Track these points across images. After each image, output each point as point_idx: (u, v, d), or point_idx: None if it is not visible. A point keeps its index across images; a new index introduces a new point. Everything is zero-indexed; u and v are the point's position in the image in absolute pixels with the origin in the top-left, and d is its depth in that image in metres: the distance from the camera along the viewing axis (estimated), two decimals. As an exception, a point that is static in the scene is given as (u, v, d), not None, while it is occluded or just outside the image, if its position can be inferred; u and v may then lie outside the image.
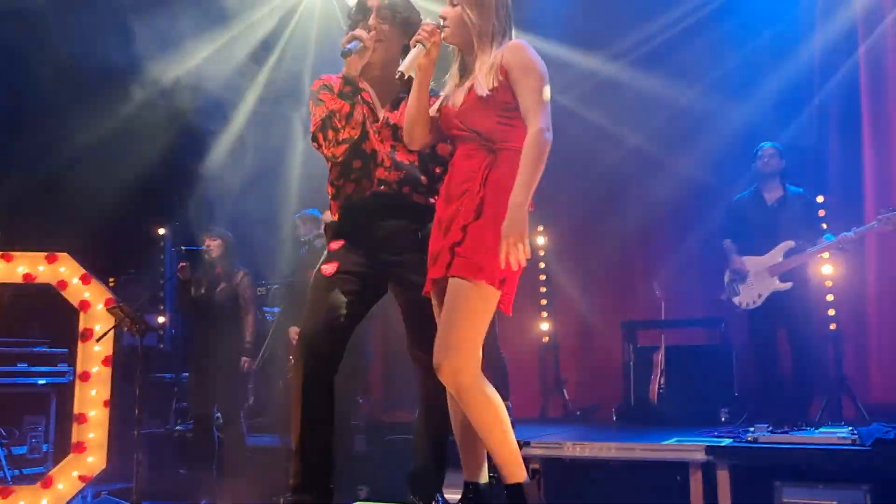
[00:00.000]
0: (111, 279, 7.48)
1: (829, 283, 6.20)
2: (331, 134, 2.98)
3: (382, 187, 3.04)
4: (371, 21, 3.06)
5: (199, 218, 7.15)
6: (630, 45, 7.18)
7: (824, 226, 5.72)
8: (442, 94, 2.85)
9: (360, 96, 3.04)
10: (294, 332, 5.37)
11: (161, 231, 7.74)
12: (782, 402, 5.49)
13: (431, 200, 3.00)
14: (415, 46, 2.70)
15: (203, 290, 5.81)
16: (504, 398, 5.94)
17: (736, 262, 5.60)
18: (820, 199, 6.04)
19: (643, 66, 7.10)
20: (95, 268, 5.73)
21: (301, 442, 2.97)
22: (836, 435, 4.43)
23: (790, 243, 5.46)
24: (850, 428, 4.52)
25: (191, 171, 7.23)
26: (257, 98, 7.60)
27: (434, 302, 2.77)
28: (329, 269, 3.05)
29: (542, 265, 7.42)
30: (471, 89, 2.69)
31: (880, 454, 4.13)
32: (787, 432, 4.59)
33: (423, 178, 3.07)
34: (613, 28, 7.16)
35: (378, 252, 3.03)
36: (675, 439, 4.93)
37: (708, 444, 4.59)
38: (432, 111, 2.81)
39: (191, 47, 6.76)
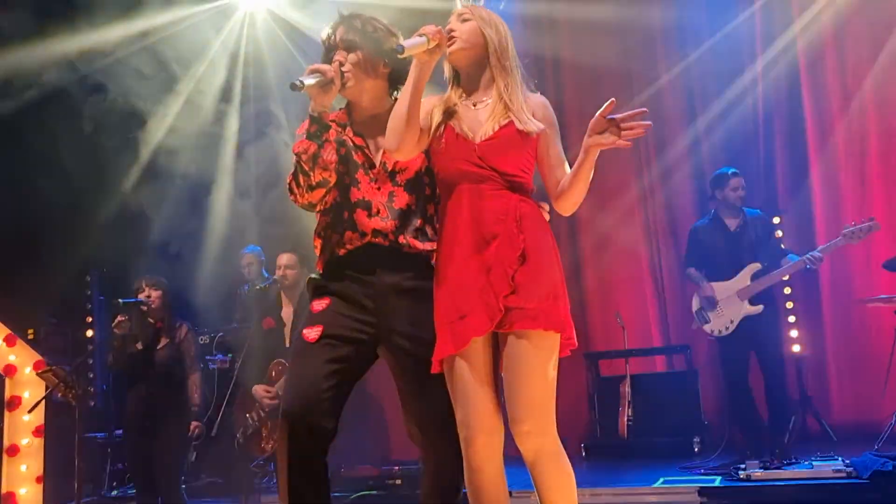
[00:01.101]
0: (30, 330, 6.87)
1: (789, 305, 6.19)
2: (301, 179, 2.63)
3: (378, 239, 2.66)
4: (337, 56, 2.71)
5: (130, 262, 6.66)
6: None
7: (782, 245, 5.68)
8: (434, 111, 2.52)
9: (345, 137, 2.72)
10: (261, 392, 4.96)
11: (87, 277, 7.12)
12: (758, 428, 5.40)
13: (428, 247, 2.67)
14: (420, 35, 2.37)
15: (141, 347, 5.27)
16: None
17: (706, 289, 5.48)
18: (776, 220, 6.02)
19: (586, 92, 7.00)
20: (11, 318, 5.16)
21: None
22: (829, 468, 4.32)
23: (756, 266, 5.37)
24: (842, 459, 4.41)
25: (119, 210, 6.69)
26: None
27: (462, 365, 2.39)
28: (312, 333, 2.65)
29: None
30: (506, 126, 2.41)
31: (879, 487, 4.04)
32: (779, 467, 4.46)
33: (418, 220, 2.70)
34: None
35: (369, 312, 2.65)
36: (662, 480, 4.76)
37: (700, 485, 4.44)
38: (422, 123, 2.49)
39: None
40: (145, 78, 6.43)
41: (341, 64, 2.69)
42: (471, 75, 2.52)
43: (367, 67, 2.71)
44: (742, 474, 4.45)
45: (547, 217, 2.52)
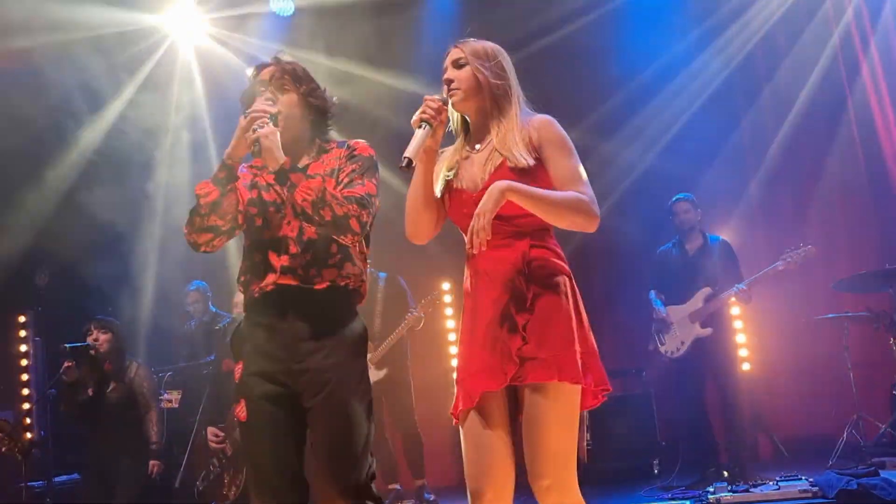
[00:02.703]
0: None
1: (738, 324, 6.33)
2: (196, 219, 2.58)
3: (287, 277, 2.57)
4: (265, 96, 2.63)
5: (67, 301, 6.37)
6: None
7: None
8: (440, 171, 2.47)
9: (259, 179, 2.68)
10: (210, 435, 4.76)
11: (21, 318, 6.74)
12: (715, 448, 5.50)
13: (352, 270, 2.61)
14: (420, 127, 2.33)
15: (91, 392, 5.04)
16: (418, 476, 5.68)
17: (658, 313, 5.59)
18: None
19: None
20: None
21: None
22: (796, 488, 4.42)
23: (708, 289, 5.49)
24: (806, 479, 4.51)
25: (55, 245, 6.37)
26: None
27: (475, 421, 2.33)
28: (240, 412, 2.61)
29: (452, 323, 7.11)
30: (499, 167, 2.35)
31: (845, 506, 4.14)
32: (747, 490, 4.54)
33: (333, 246, 2.60)
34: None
35: (286, 362, 2.55)
36: (632, 507, 4.78)
37: (672, 511, 4.48)
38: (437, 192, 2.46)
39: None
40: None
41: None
42: (477, 122, 2.48)
43: (299, 111, 2.68)
44: (711, 498, 4.52)
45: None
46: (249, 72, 2.77)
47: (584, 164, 2.39)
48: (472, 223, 2.23)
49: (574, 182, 2.33)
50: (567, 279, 2.37)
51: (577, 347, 2.29)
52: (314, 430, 2.58)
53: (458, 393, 2.36)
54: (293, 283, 2.56)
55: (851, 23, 6.50)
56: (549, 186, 2.33)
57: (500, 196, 2.22)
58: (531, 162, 2.32)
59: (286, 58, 2.75)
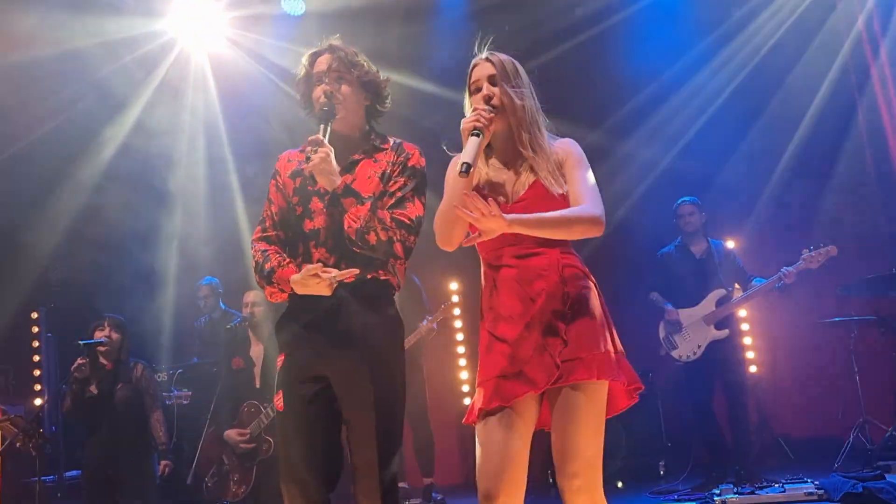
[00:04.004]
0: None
1: (745, 327, 6.34)
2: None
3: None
4: (322, 87, 2.68)
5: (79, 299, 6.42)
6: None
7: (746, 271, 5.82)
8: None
9: (304, 167, 2.69)
10: (234, 436, 4.80)
11: (34, 315, 6.80)
12: (724, 450, 5.52)
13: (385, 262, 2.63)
14: (473, 134, 2.36)
15: (97, 391, 5.08)
16: (428, 475, 5.71)
17: (671, 313, 5.59)
18: (730, 243, 6.15)
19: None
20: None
21: None
22: (801, 491, 4.45)
23: (722, 291, 5.51)
24: (812, 482, 4.54)
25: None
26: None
27: (505, 420, 2.35)
28: (278, 401, 2.68)
29: (459, 323, 7.14)
30: (533, 184, 2.43)
31: (851, 509, 4.17)
32: (752, 491, 4.57)
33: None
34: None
35: (324, 354, 2.59)
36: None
37: (681, 512, 4.51)
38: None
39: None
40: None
41: (329, 94, 2.67)
42: (501, 139, 2.52)
43: (355, 98, 2.72)
44: (717, 500, 4.54)
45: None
46: (304, 60, 2.78)
47: (603, 165, 2.46)
48: (480, 214, 2.25)
49: (585, 196, 2.42)
50: (595, 284, 2.45)
51: (611, 348, 2.36)
52: (347, 424, 2.62)
53: (489, 390, 2.37)
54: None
55: (862, 29, 6.50)
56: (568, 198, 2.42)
57: (507, 227, 2.29)
58: (563, 190, 2.41)
59: (338, 43, 2.77)
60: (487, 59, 2.50)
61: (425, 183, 2.71)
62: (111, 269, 6.65)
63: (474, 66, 2.51)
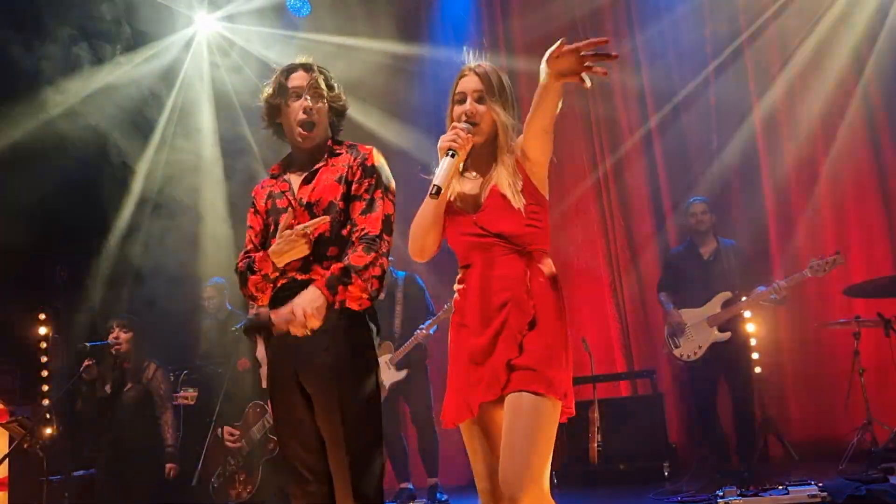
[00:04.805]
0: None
1: (749, 328, 6.33)
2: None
3: (291, 274, 2.69)
4: (302, 102, 2.76)
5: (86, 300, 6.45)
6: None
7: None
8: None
9: (273, 188, 2.85)
10: (225, 434, 4.83)
11: (41, 315, 6.82)
12: (727, 451, 5.53)
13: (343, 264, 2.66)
14: (448, 154, 2.40)
15: (108, 391, 5.12)
16: (432, 474, 5.73)
17: (674, 315, 5.62)
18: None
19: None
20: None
21: None
22: (805, 493, 4.45)
23: (727, 294, 5.53)
24: (815, 484, 4.54)
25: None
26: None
27: (479, 432, 2.43)
28: (271, 409, 2.84)
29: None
30: (492, 190, 2.45)
31: (855, 511, 4.17)
32: (756, 494, 4.56)
33: (332, 248, 2.69)
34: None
35: (294, 358, 2.66)
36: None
37: (683, 513, 4.52)
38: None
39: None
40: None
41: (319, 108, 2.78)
42: (479, 152, 2.55)
43: (326, 116, 2.82)
44: (721, 502, 4.55)
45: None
46: (278, 75, 2.84)
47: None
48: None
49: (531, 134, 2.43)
50: (562, 300, 2.46)
51: (565, 368, 2.38)
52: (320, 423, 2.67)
53: (454, 402, 2.43)
54: (299, 276, 2.66)
55: (862, 29, 6.49)
56: (534, 202, 2.45)
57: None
58: (522, 204, 2.41)
59: (313, 62, 2.85)
60: (474, 72, 2.51)
61: (388, 178, 2.78)
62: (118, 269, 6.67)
63: (462, 76, 2.53)
